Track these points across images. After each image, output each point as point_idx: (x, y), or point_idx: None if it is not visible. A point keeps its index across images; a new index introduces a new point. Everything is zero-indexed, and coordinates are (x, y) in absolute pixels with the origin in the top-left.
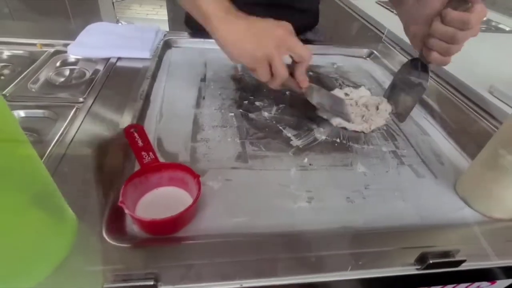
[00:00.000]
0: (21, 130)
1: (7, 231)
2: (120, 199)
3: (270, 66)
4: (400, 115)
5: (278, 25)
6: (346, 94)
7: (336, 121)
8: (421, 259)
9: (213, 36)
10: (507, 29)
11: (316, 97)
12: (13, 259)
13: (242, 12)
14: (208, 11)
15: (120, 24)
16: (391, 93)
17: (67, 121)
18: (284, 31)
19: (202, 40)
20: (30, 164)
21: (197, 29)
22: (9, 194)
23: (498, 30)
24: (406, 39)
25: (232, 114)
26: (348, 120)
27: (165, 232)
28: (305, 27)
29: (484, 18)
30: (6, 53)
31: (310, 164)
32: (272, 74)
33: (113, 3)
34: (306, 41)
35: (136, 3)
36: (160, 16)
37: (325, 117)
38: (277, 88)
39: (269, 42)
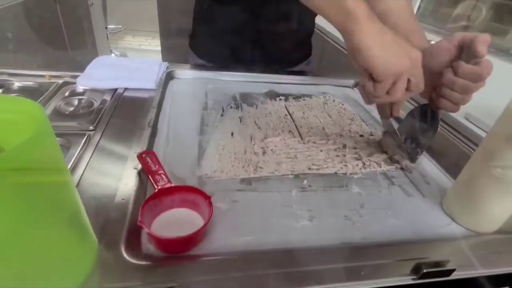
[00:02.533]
0: (62, 157)
1: (38, 248)
2: (139, 219)
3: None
4: (411, 158)
5: (414, 48)
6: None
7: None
8: (416, 270)
9: (352, 32)
10: None
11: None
12: (41, 274)
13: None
14: (355, 10)
15: (114, 54)
16: (398, 135)
17: (80, 148)
18: (419, 56)
19: (202, 71)
20: (66, 187)
21: (201, 55)
22: (46, 214)
23: None
24: None
25: (235, 141)
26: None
27: (180, 250)
28: (301, 58)
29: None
30: (17, 84)
31: (309, 186)
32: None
33: (107, 34)
34: (300, 73)
35: (129, 35)
36: (153, 46)
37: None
38: (375, 102)
39: (407, 62)
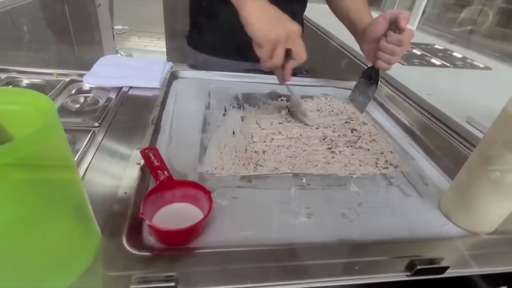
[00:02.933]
0: (70, 151)
1: (46, 237)
2: (141, 211)
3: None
4: (361, 108)
5: (294, 22)
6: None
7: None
8: (410, 266)
9: (240, 10)
10: (481, 66)
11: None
12: (47, 263)
13: None
14: None
15: (120, 54)
16: (354, 93)
17: (85, 143)
18: (297, 29)
19: (205, 72)
20: (73, 180)
21: (197, 48)
22: (54, 205)
23: (473, 66)
24: (390, 72)
25: (236, 139)
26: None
27: (179, 242)
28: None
29: (412, 39)
30: (25, 82)
31: (308, 184)
32: (270, 57)
33: (113, 35)
34: (301, 73)
35: (135, 36)
36: (158, 47)
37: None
38: (267, 69)
39: (282, 31)
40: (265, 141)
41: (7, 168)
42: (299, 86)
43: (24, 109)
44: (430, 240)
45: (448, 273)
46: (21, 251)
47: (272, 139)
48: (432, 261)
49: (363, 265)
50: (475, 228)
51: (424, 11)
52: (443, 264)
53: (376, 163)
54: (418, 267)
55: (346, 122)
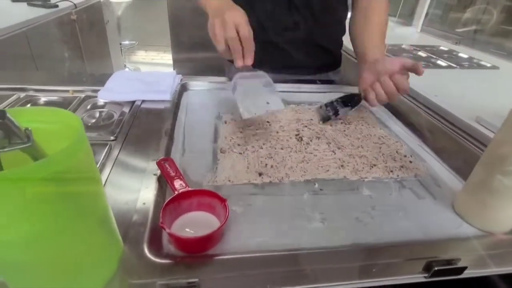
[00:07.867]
0: (95, 164)
1: (73, 247)
2: (160, 221)
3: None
4: (323, 118)
5: (236, 10)
6: None
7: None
8: (427, 267)
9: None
10: (488, 65)
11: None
12: (72, 273)
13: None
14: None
15: (128, 69)
16: (324, 106)
17: (102, 157)
18: (237, 16)
19: (213, 82)
20: (99, 192)
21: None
22: (81, 216)
23: (480, 66)
24: None
25: (247, 147)
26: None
27: (199, 250)
28: (328, 67)
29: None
30: (43, 99)
31: (320, 189)
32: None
33: (121, 50)
34: (327, 82)
35: (142, 49)
36: (165, 60)
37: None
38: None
39: (220, 16)
40: (275, 147)
41: (41, 182)
42: (304, 93)
43: (54, 126)
44: (446, 241)
45: (465, 274)
46: (51, 261)
47: (282, 145)
48: (449, 262)
49: (380, 267)
50: (490, 228)
51: (427, 13)
52: (460, 264)
53: (387, 166)
54: (436, 268)
55: (354, 127)
